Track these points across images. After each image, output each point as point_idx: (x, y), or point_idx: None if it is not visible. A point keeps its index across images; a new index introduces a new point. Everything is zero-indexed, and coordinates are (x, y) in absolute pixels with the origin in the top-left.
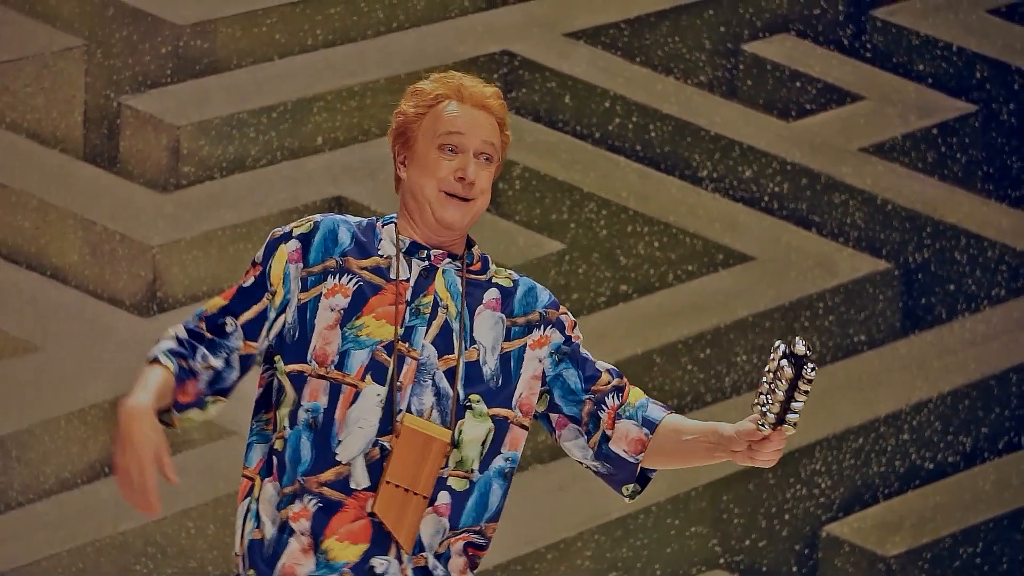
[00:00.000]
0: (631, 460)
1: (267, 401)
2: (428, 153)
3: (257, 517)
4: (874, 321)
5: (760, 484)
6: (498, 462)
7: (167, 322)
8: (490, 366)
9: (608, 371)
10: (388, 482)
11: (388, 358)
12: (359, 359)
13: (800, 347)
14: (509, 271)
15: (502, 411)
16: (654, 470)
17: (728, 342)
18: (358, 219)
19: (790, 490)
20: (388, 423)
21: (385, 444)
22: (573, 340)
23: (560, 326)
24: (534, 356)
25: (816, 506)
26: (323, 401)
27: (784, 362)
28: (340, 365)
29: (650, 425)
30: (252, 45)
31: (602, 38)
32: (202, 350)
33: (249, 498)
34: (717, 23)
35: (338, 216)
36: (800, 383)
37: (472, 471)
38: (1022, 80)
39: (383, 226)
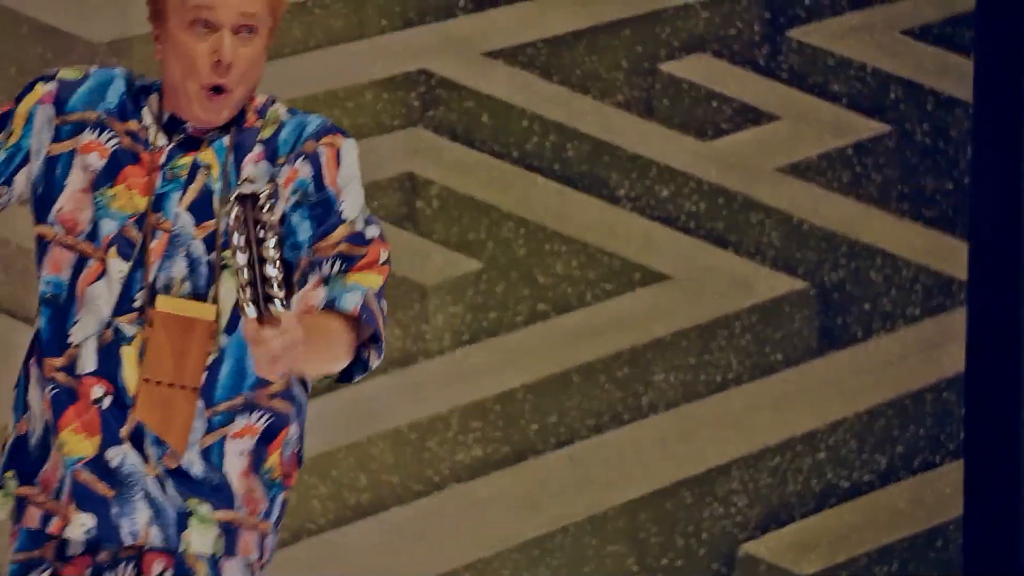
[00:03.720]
0: None
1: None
2: (179, 34)
3: (24, 405)
4: (790, 340)
5: (677, 503)
6: None
7: None
8: None
9: (351, 230)
10: (147, 380)
11: (138, 233)
12: (107, 230)
13: (247, 187)
14: (289, 112)
15: None
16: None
17: (646, 361)
18: (141, 80)
19: (707, 509)
20: (126, 302)
21: (120, 327)
22: (327, 185)
23: (315, 161)
24: (283, 196)
25: (733, 525)
26: (65, 275)
27: (236, 210)
28: (91, 236)
29: (329, 307)
30: None
31: (520, 57)
32: None
33: (19, 387)
34: (634, 43)
35: (121, 71)
36: (256, 227)
37: (220, 334)
38: (935, 100)
39: (153, 92)
